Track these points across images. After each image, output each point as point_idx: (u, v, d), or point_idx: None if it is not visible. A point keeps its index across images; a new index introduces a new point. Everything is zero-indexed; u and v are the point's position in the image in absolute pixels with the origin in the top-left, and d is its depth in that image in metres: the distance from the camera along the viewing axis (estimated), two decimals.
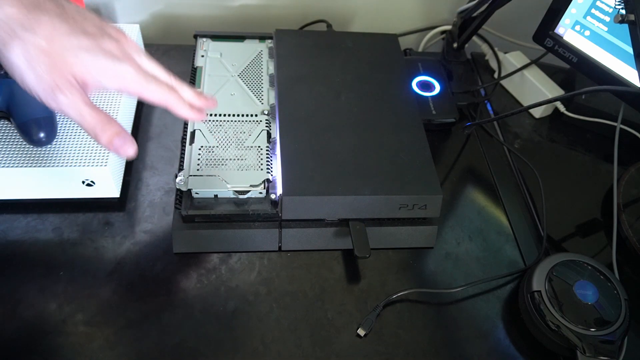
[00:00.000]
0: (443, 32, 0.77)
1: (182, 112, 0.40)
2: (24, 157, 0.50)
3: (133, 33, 0.63)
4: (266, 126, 0.55)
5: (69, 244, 0.51)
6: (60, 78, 0.35)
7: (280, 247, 0.52)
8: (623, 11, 0.47)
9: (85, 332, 0.45)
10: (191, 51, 0.64)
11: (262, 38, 0.66)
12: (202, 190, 0.50)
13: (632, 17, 0.46)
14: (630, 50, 0.54)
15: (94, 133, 0.37)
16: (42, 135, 0.49)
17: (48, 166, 0.49)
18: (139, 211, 0.54)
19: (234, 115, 0.56)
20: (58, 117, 0.53)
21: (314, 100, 0.58)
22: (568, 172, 0.65)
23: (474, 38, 0.74)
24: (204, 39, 0.65)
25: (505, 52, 0.74)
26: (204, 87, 0.59)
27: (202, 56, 0.63)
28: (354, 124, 0.56)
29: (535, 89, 0.69)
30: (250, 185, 0.50)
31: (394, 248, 0.54)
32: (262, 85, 0.60)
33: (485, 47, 0.76)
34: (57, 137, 0.51)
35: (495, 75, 0.74)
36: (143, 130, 0.61)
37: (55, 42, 0.34)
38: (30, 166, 0.49)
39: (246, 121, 0.56)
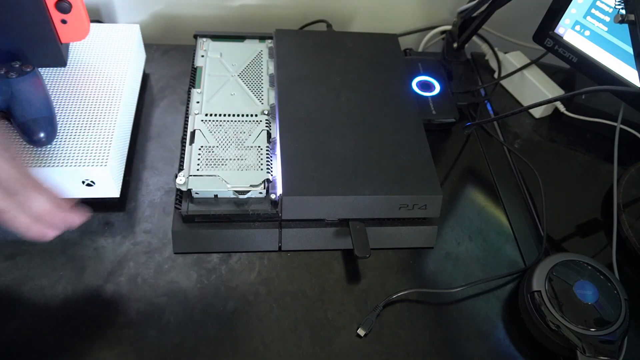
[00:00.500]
0: (443, 32, 0.77)
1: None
2: (24, 157, 0.50)
3: (133, 33, 0.63)
4: (266, 126, 0.55)
5: (69, 244, 0.51)
6: None
7: (280, 247, 0.52)
8: (623, 11, 0.47)
9: (85, 332, 0.45)
10: (191, 51, 0.64)
11: (262, 38, 0.66)
12: (202, 190, 0.50)
13: (632, 17, 0.46)
14: (630, 50, 0.54)
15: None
16: (42, 135, 0.49)
17: (48, 166, 0.49)
18: (139, 211, 0.54)
19: (234, 115, 0.56)
20: (58, 117, 0.53)
21: (314, 100, 0.58)
22: (568, 172, 0.65)
23: (474, 38, 0.74)
24: (204, 39, 0.65)
25: (505, 52, 0.74)
26: (204, 87, 0.59)
27: (202, 56, 0.63)
28: (354, 124, 0.56)
29: (535, 89, 0.69)
30: (250, 185, 0.50)
31: (394, 248, 0.54)
32: (262, 85, 0.60)
33: (485, 47, 0.76)
34: (57, 137, 0.51)
35: (495, 75, 0.74)
36: (143, 130, 0.61)
37: None
38: (30, 166, 0.49)
39: (246, 121, 0.56)
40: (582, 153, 0.67)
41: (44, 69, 0.58)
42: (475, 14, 0.68)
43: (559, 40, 0.61)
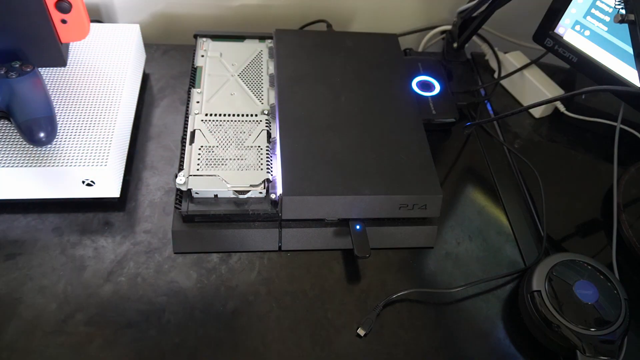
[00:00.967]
0: (443, 32, 0.77)
1: None
2: (24, 157, 0.50)
3: (133, 33, 0.63)
4: (266, 126, 0.55)
5: (69, 244, 0.51)
6: None
7: (280, 247, 0.52)
8: (623, 11, 0.47)
9: (85, 332, 0.45)
10: (191, 51, 0.64)
11: (262, 38, 0.66)
12: (202, 190, 0.50)
13: (632, 17, 0.46)
14: (630, 50, 0.54)
15: None
16: (42, 135, 0.49)
17: (48, 166, 0.49)
18: (139, 211, 0.54)
19: (234, 115, 0.56)
20: (58, 117, 0.53)
21: (314, 100, 0.58)
22: (568, 172, 0.65)
23: (474, 38, 0.74)
24: (204, 39, 0.65)
25: (505, 52, 0.74)
26: (204, 87, 0.59)
27: (202, 56, 0.63)
28: (354, 124, 0.56)
29: (535, 89, 0.69)
30: (250, 185, 0.50)
31: (394, 248, 0.54)
32: (262, 85, 0.60)
33: (485, 47, 0.76)
34: (57, 137, 0.51)
35: (495, 75, 0.74)
36: (143, 130, 0.61)
37: None
38: (30, 166, 0.49)
39: (246, 121, 0.56)
40: (582, 153, 0.67)
41: (44, 69, 0.58)
42: (475, 14, 0.68)
43: (559, 40, 0.61)
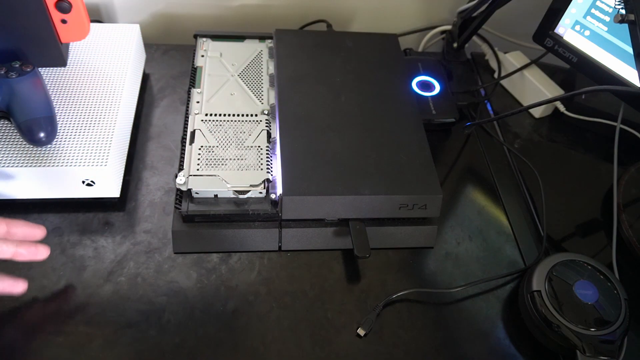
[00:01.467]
0: (443, 32, 0.77)
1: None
2: (24, 157, 0.50)
3: (133, 33, 0.63)
4: (266, 126, 0.55)
5: (69, 244, 0.51)
6: None
7: (280, 247, 0.52)
8: (623, 11, 0.47)
9: (85, 332, 0.45)
10: (191, 51, 0.64)
11: (262, 38, 0.66)
12: (202, 190, 0.50)
13: (632, 17, 0.46)
14: (630, 50, 0.54)
15: None
16: (42, 135, 0.49)
17: (48, 166, 0.49)
18: (139, 211, 0.54)
19: (234, 115, 0.56)
20: (58, 117, 0.53)
21: (314, 100, 0.58)
22: (568, 172, 0.65)
23: (474, 38, 0.74)
24: (204, 39, 0.65)
25: (505, 52, 0.74)
26: (204, 86, 0.59)
27: (202, 56, 0.63)
28: (354, 124, 0.56)
29: (535, 89, 0.69)
30: (250, 185, 0.50)
31: (394, 248, 0.54)
32: (262, 85, 0.60)
33: (485, 47, 0.76)
34: (57, 137, 0.51)
35: (495, 75, 0.74)
36: (143, 130, 0.61)
37: None
38: (30, 166, 0.49)
39: (246, 121, 0.56)
40: (582, 153, 0.67)
41: (44, 69, 0.58)
42: (475, 14, 0.68)
43: (559, 40, 0.61)
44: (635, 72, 0.51)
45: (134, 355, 0.45)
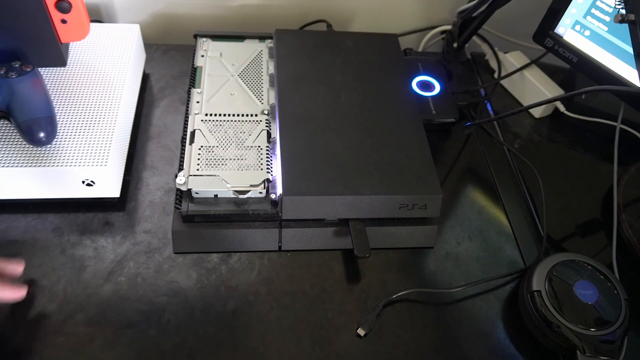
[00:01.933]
0: (443, 32, 0.77)
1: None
2: (24, 157, 0.50)
3: (133, 33, 0.63)
4: (266, 126, 0.55)
5: (69, 244, 0.51)
6: None
7: (280, 247, 0.52)
8: (623, 11, 0.47)
9: (85, 332, 0.45)
10: (191, 51, 0.64)
11: (262, 38, 0.66)
12: (202, 190, 0.50)
13: (632, 17, 0.46)
14: (630, 50, 0.54)
15: None
16: (42, 135, 0.49)
17: (48, 166, 0.49)
18: (139, 211, 0.54)
19: (234, 115, 0.56)
20: (58, 117, 0.53)
21: (314, 100, 0.58)
22: (568, 172, 0.65)
23: (474, 38, 0.74)
24: (204, 39, 0.65)
25: (505, 52, 0.74)
26: (204, 86, 0.59)
27: (202, 56, 0.63)
28: (354, 124, 0.56)
29: (535, 89, 0.69)
30: (250, 185, 0.50)
31: (394, 248, 0.54)
32: (262, 85, 0.60)
33: (485, 47, 0.76)
34: (57, 137, 0.51)
35: (495, 75, 0.74)
36: (143, 130, 0.61)
37: None
38: (30, 166, 0.49)
39: (246, 121, 0.56)
40: (582, 153, 0.67)
41: (44, 69, 0.58)
42: (475, 14, 0.68)
43: (559, 40, 0.61)
44: (635, 72, 0.51)
45: (134, 355, 0.45)
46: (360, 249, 0.49)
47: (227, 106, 0.57)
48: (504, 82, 0.74)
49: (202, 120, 0.55)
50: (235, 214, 0.50)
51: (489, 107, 0.71)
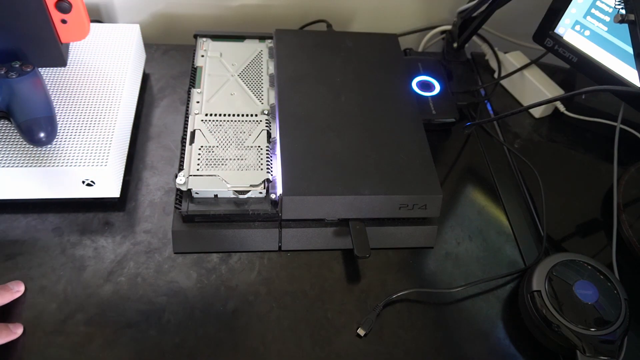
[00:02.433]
0: (443, 32, 0.77)
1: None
2: (24, 157, 0.50)
3: (133, 33, 0.63)
4: (266, 126, 0.55)
5: (69, 244, 0.51)
6: None
7: (280, 247, 0.52)
8: (623, 11, 0.47)
9: (85, 332, 0.45)
10: (191, 51, 0.64)
11: (262, 38, 0.66)
12: (202, 190, 0.50)
13: (632, 17, 0.46)
14: (630, 50, 0.54)
15: None
16: (42, 135, 0.49)
17: (48, 166, 0.49)
18: (139, 211, 0.54)
19: (234, 115, 0.56)
20: (58, 117, 0.53)
21: (314, 100, 0.58)
22: (568, 172, 0.65)
23: (474, 38, 0.74)
24: (204, 39, 0.65)
25: (505, 52, 0.74)
26: (204, 86, 0.59)
27: (202, 56, 0.63)
28: (354, 124, 0.56)
29: (535, 89, 0.69)
30: (250, 185, 0.50)
31: (394, 248, 0.54)
32: (262, 85, 0.60)
33: (485, 47, 0.76)
34: (57, 137, 0.51)
35: (495, 75, 0.74)
36: (143, 130, 0.61)
37: None
38: (30, 166, 0.49)
39: (246, 121, 0.56)
40: (582, 153, 0.67)
41: (44, 69, 0.58)
42: (475, 14, 0.68)
43: (559, 40, 0.61)
44: (635, 72, 0.51)
45: (134, 355, 0.45)
46: (360, 249, 0.49)
47: (227, 106, 0.57)
48: (504, 82, 0.74)
49: (202, 120, 0.55)
50: (235, 214, 0.50)
51: (489, 107, 0.71)
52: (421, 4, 0.79)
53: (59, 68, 0.58)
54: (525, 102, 0.72)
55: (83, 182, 0.51)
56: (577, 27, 0.59)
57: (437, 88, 0.68)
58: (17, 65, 0.52)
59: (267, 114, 0.57)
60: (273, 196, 0.50)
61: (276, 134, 0.55)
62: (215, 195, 0.50)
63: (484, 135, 0.67)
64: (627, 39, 0.50)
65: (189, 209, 0.49)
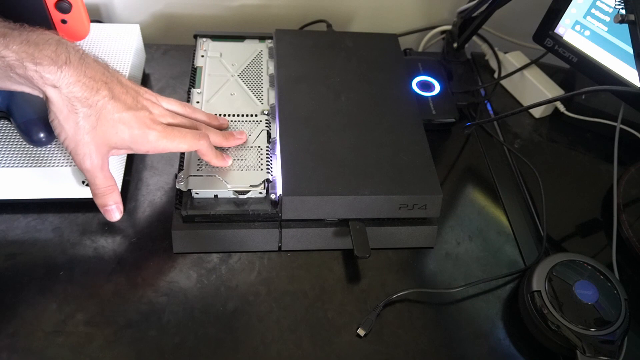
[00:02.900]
0: (443, 32, 0.77)
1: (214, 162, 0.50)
2: (24, 157, 0.50)
3: (133, 33, 0.63)
4: (266, 126, 0.55)
5: (69, 244, 0.51)
6: (95, 148, 0.44)
7: (280, 247, 0.52)
8: (623, 11, 0.47)
9: (85, 332, 0.45)
10: (191, 51, 0.64)
11: (262, 38, 0.66)
12: (202, 191, 0.50)
13: (632, 17, 0.46)
14: (630, 50, 0.54)
15: (95, 194, 0.46)
16: (42, 135, 0.49)
17: (48, 166, 0.49)
18: (139, 211, 0.54)
19: (234, 115, 0.56)
20: None
21: (314, 100, 0.58)
22: (568, 172, 0.65)
23: (474, 38, 0.74)
24: (204, 39, 0.65)
25: (505, 52, 0.74)
26: (204, 87, 0.59)
27: (202, 56, 0.63)
28: (354, 124, 0.56)
29: (535, 89, 0.69)
30: (250, 185, 0.50)
31: (394, 248, 0.54)
32: (262, 85, 0.60)
33: (485, 47, 0.76)
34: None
35: (495, 75, 0.74)
36: None
37: (101, 119, 0.43)
38: (30, 166, 0.49)
39: (246, 121, 0.56)
40: (582, 153, 0.67)
41: None
42: (475, 14, 0.68)
43: (559, 40, 0.61)
44: (635, 72, 0.51)
45: (134, 355, 0.45)
46: (360, 249, 0.49)
47: (227, 106, 0.57)
48: (504, 82, 0.74)
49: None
50: (235, 214, 0.50)
51: (489, 107, 0.71)
52: (421, 4, 0.79)
53: None
54: (525, 102, 0.72)
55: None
56: (577, 27, 0.59)
57: (437, 88, 0.68)
58: None
59: (267, 114, 0.57)
60: (273, 196, 0.50)
61: (276, 134, 0.55)
62: (215, 196, 0.50)
63: (484, 135, 0.67)
64: (627, 39, 0.50)
65: (189, 210, 0.49)
